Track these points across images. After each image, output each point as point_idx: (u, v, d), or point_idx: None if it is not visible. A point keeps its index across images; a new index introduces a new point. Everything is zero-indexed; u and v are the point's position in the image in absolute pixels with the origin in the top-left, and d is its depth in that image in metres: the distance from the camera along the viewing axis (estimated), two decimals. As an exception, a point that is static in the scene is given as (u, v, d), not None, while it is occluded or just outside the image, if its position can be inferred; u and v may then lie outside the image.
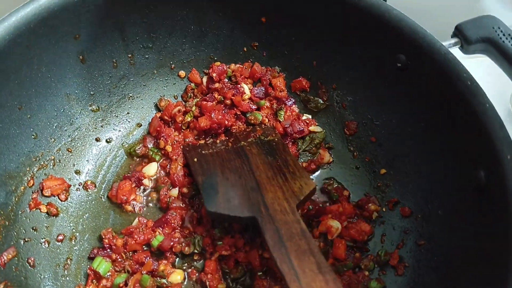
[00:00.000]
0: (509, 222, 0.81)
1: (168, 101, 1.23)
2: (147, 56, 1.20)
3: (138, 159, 1.18)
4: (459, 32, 1.06)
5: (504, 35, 1.03)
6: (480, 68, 1.41)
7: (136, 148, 1.18)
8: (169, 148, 1.17)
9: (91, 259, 1.01)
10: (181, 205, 1.08)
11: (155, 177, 1.15)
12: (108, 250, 1.01)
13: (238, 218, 0.96)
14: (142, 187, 1.13)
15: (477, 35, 1.04)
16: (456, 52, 1.02)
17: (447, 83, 0.95)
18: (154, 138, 1.20)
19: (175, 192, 1.11)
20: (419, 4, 1.36)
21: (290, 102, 1.24)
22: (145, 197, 1.12)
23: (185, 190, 1.10)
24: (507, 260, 0.78)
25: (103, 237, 1.02)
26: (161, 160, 1.17)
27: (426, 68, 1.00)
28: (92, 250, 1.02)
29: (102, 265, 0.97)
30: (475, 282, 0.86)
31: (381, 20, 1.03)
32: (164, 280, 0.97)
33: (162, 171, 1.16)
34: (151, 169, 1.15)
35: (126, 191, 1.09)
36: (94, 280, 0.98)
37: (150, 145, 1.18)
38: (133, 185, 1.11)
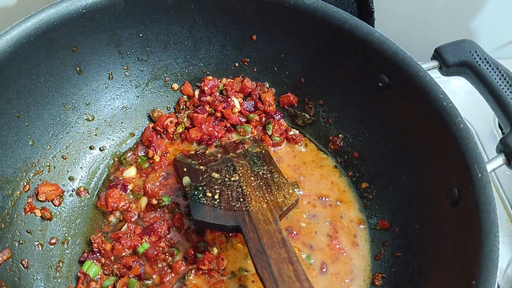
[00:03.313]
0: (479, 237, 0.86)
1: (161, 112, 1.28)
2: (142, 69, 1.25)
3: (118, 166, 1.22)
4: (438, 55, 1.11)
5: (480, 59, 1.09)
6: (464, 87, 1.47)
7: (127, 156, 1.22)
8: (156, 158, 1.21)
9: (81, 262, 1.05)
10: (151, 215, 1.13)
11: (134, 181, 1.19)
12: (98, 254, 1.05)
13: (223, 226, 1.00)
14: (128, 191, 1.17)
15: (455, 58, 1.10)
16: (436, 73, 1.08)
17: (425, 103, 1.01)
18: (146, 147, 1.24)
19: (144, 201, 1.15)
20: (402, 26, 1.42)
21: (278, 116, 1.29)
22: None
23: (154, 201, 1.14)
24: (476, 275, 0.83)
25: (93, 241, 1.06)
26: (147, 168, 1.21)
27: (406, 88, 1.05)
28: (82, 254, 1.06)
29: (92, 269, 1.02)
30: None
31: (364, 42, 1.09)
32: (150, 282, 1.02)
33: (140, 179, 1.20)
34: (131, 172, 1.20)
35: (116, 198, 1.13)
36: (84, 283, 1.01)
37: (141, 154, 1.23)
38: (121, 192, 1.15)
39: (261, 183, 1.09)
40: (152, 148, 1.22)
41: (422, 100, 1.02)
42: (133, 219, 1.12)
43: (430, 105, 1.00)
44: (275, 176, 1.12)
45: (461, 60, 1.10)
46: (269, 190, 1.08)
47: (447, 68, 1.11)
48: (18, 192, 1.04)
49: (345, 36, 1.11)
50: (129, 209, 1.13)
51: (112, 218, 1.13)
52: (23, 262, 1.00)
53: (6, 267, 0.96)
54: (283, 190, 1.08)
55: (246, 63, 1.30)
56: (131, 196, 1.16)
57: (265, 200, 1.04)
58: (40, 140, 1.09)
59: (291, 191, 1.08)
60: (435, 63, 1.12)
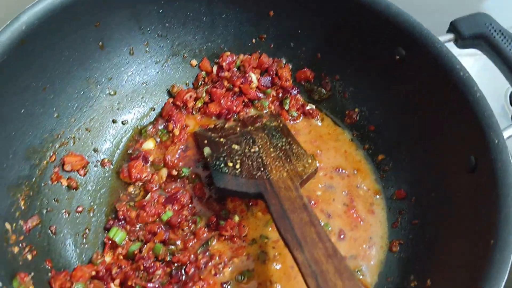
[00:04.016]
0: (496, 200, 0.88)
1: (180, 87, 1.30)
2: (161, 45, 1.28)
3: (137, 138, 1.25)
4: (453, 28, 1.13)
5: (495, 31, 1.11)
6: (475, 65, 1.49)
7: (147, 129, 1.26)
8: (176, 132, 1.24)
9: (107, 229, 1.08)
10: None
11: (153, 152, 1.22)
12: (123, 221, 1.08)
13: (246, 193, 1.03)
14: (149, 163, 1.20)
15: (470, 31, 1.12)
16: (451, 47, 1.09)
17: (441, 74, 1.03)
18: (165, 121, 1.27)
19: (164, 172, 1.18)
20: (418, 0, 1.43)
21: (295, 92, 1.32)
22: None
23: (174, 172, 1.17)
24: (494, 235, 0.85)
25: (118, 209, 1.09)
26: (166, 141, 1.24)
27: (423, 60, 1.07)
28: (108, 222, 1.10)
29: (118, 235, 1.05)
30: (463, 256, 0.93)
31: (381, 15, 1.11)
32: (174, 247, 1.05)
33: (159, 151, 1.23)
34: (150, 144, 1.23)
35: (138, 169, 1.16)
36: (110, 248, 1.05)
37: (160, 127, 1.26)
38: (142, 164, 1.18)
39: (280, 154, 1.12)
40: (172, 121, 1.24)
41: (439, 71, 1.04)
42: (153, 189, 1.15)
43: (447, 76, 1.02)
44: (294, 147, 1.15)
45: (476, 33, 1.12)
46: (288, 160, 1.10)
47: (462, 40, 1.13)
48: (45, 162, 1.07)
49: (362, 10, 1.13)
50: (151, 180, 1.15)
51: (131, 189, 1.15)
52: (51, 229, 1.03)
53: (35, 233, 0.99)
54: (302, 160, 1.10)
55: (263, 39, 1.33)
56: (150, 169, 1.19)
57: (285, 169, 1.07)
58: (64, 112, 1.12)
59: (310, 160, 1.10)
60: (450, 36, 1.14)
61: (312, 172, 1.09)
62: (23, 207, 0.98)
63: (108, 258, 1.04)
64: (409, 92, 1.16)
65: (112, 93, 1.23)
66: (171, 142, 1.23)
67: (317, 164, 1.20)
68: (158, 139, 1.24)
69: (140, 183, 1.16)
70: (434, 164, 1.10)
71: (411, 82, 1.14)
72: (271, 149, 1.14)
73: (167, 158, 1.19)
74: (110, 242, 1.05)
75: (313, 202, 1.15)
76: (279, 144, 1.16)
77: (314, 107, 1.32)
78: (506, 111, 1.51)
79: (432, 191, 1.09)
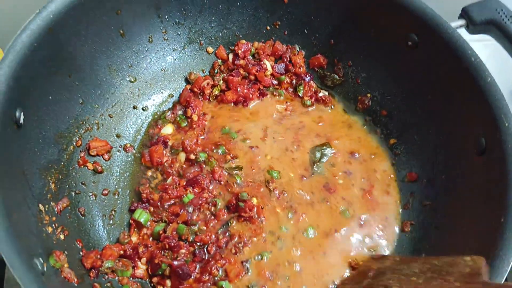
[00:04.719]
0: (507, 182, 0.93)
1: (197, 74, 1.34)
2: (179, 32, 1.31)
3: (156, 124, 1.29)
4: (465, 14, 1.16)
5: (506, 17, 1.13)
6: (484, 52, 1.52)
7: (166, 115, 1.30)
8: (195, 117, 1.28)
9: (132, 211, 1.13)
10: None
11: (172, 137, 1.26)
12: (146, 203, 1.13)
13: None
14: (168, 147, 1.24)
15: (481, 17, 1.15)
16: (462, 32, 1.13)
17: (453, 59, 1.07)
18: (183, 107, 1.31)
19: (182, 156, 1.22)
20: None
21: (308, 78, 1.35)
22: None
23: (192, 156, 1.20)
24: (503, 213, 0.90)
25: (141, 192, 1.14)
26: (185, 126, 1.28)
27: (435, 46, 1.11)
28: (132, 204, 1.14)
29: (143, 216, 1.09)
30: (472, 235, 0.98)
31: (395, 2, 1.14)
32: (196, 227, 1.10)
33: (178, 136, 1.26)
34: (168, 129, 1.27)
35: (160, 154, 1.20)
36: (136, 229, 1.10)
37: (179, 113, 1.30)
38: (163, 148, 1.22)
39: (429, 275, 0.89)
40: (190, 107, 1.28)
41: (451, 57, 1.07)
42: (172, 174, 1.19)
43: (459, 61, 1.06)
44: (434, 262, 0.92)
45: (487, 19, 1.15)
46: (443, 273, 0.88)
47: (474, 26, 1.16)
48: (72, 146, 1.12)
49: (375, -4, 1.17)
50: (172, 165, 1.20)
51: (149, 173, 1.20)
52: (80, 210, 1.08)
53: (66, 214, 1.04)
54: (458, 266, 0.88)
55: (277, 26, 1.36)
56: (169, 153, 1.23)
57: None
58: (88, 99, 1.16)
59: (468, 258, 0.88)
60: (462, 21, 1.17)
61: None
62: (53, 190, 1.02)
63: (134, 238, 1.09)
64: (420, 77, 1.19)
65: (132, 80, 1.27)
66: (189, 128, 1.27)
67: (332, 152, 1.24)
68: (176, 125, 1.28)
69: (160, 168, 1.21)
70: (444, 147, 1.14)
71: (423, 68, 1.17)
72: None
73: (186, 142, 1.23)
74: (135, 223, 1.10)
75: (332, 188, 1.19)
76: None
77: (327, 93, 1.36)
78: (515, 96, 1.55)
79: (442, 173, 1.14)
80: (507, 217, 0.88)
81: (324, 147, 1.24)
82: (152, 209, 1.13)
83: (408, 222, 1.15)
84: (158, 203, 1.13)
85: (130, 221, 1.11)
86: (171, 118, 1.29)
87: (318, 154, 1.23)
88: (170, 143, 1.24)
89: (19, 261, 0.74)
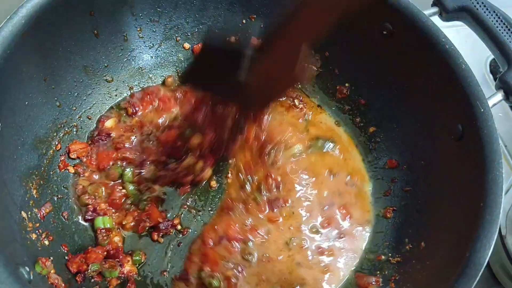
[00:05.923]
0: (484, 165, 0.94)
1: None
2: (154, 29, 1.30)
3: None
4: (438, 2, 1.18)
5: (478, 3, 1.15)
6: (458, 37, 1.55)
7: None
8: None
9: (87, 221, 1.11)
10: None
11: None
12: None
13: None
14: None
15: (454, 4, 1.16)
16: (436, 20, 1.14)
17: (428, 47, 1.08)
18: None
19: None
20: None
21: (287, 71, 1.35)
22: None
23: None
24: (483, 198, 0.92)
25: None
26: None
27: (409, 34, 1.12)
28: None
29: (106, 221, 1.10)
30: (454, 219, 1.00)
31: (368, -8, 1.14)
32: None
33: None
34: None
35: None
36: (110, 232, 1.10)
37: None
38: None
39: None
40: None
41: (426, 45, 1.08)
42: None
43: (433, 49, 1.07)
44: None
45: (460, 6, 1.16)
46: None
47: (446, 14, 1.18)
48: (51, 151, 1.11)
49: (349, -13, 1.17)
50: None
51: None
52: (64, 215, 1.08)
53: (49, 219, 1.03)
54: None
55: (253, 19, 1.35)
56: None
57: None
58: (66, 102, 1.15)
59: None
60: (435, 9, 1.18)
61: None
62: (35, 196, 1.02)
63: (116, 238, 1.09)
64: (397, 66, 1.20)
65: (109, 79, 1.26)
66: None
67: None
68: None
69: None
70: (423, 133, 1.16)
71: (399, 56, 1.18)
72: None
73: None
74: (105, 230, 1.08)
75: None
76: None
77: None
78: (487, 79, 1.59)
79: (422, 159, 1.16)
80: (486, 201, 0.90)
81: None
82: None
83: (390, 208, 1.17)
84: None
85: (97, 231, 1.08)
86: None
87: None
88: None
89: (6, 272, 0.73)
